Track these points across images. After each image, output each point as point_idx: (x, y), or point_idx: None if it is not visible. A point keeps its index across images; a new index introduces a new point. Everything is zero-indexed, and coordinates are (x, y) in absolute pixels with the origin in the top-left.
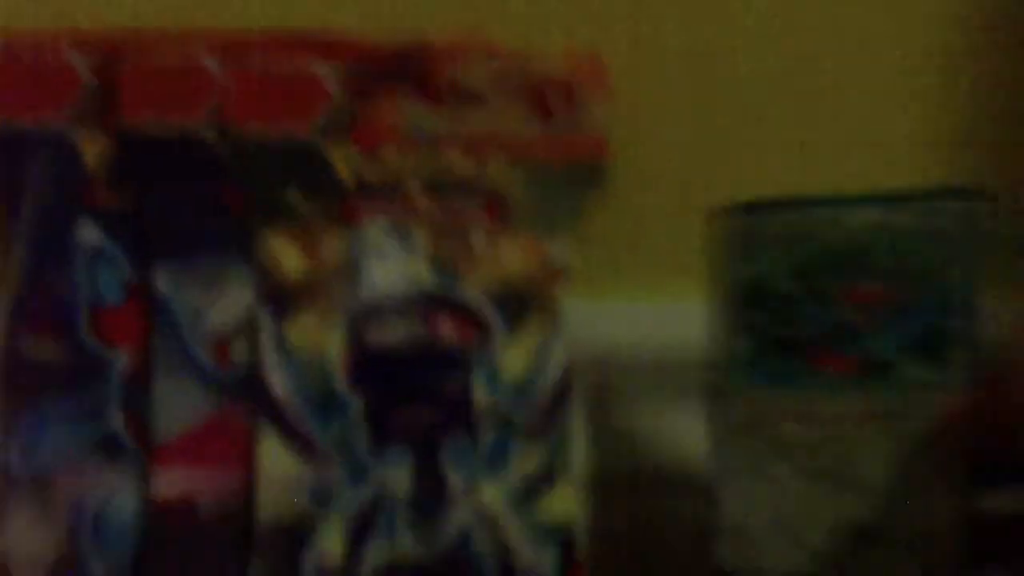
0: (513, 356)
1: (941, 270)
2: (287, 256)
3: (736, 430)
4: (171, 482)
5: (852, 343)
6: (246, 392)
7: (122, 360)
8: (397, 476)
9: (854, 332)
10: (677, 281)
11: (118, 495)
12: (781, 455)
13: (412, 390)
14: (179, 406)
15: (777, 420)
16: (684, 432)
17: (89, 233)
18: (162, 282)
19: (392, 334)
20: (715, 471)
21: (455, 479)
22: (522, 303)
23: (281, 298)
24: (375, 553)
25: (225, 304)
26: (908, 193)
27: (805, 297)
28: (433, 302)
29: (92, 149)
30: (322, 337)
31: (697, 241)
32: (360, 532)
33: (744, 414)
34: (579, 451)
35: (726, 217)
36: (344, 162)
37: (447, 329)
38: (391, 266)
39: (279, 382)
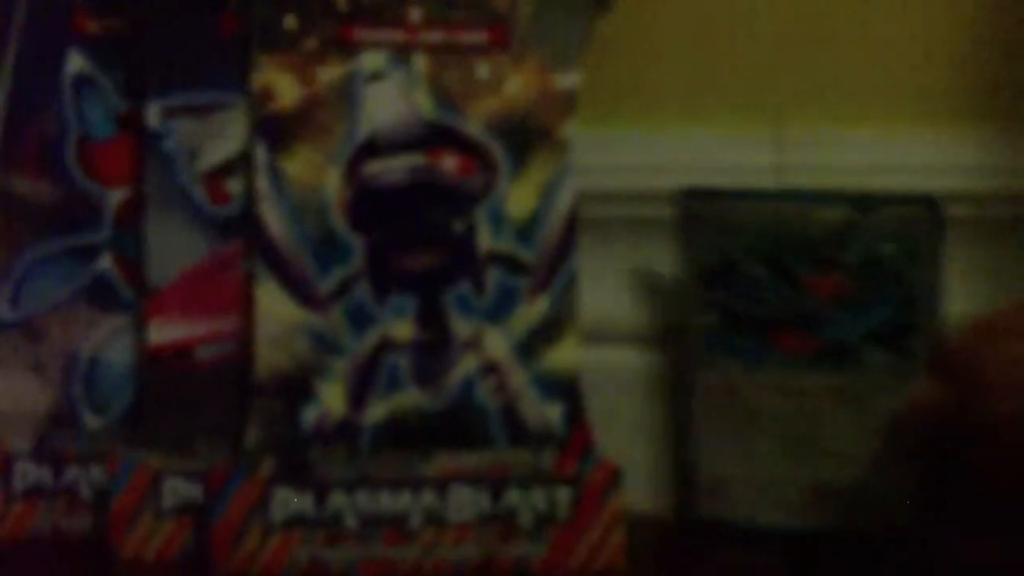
0: (519, 195)
1: (906, 269)
2: (282, 85)
3: (710, 402)
4: (165, 330)
5: (815, 327)
6: (242, 231)
7: (113, 198)
8: (400, 324)
9: (817, 317)
10: (690, 106)
11: (111, 343)
12: (754, 423)
13: (414, 231)
14: (173, 248)
15: (749, 392)
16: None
17: (77, 63)
18: (154, 115)
19: (392, 170)
20: (693, 434)
21: (459, 327)
22: (528, 136)
23: (276, 130)
24: (377, 404)
25: (219, 138)
26: (878, 196)
27: (772, 281)
28: (435, 135)
29: None
30: (319, 172)
31: (709, 68)
32: (362, 382)
33: (718, 385)
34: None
35: (702, 200)
36: None
37: (450, 165)
38: (390, 96)
39: (275, 221)
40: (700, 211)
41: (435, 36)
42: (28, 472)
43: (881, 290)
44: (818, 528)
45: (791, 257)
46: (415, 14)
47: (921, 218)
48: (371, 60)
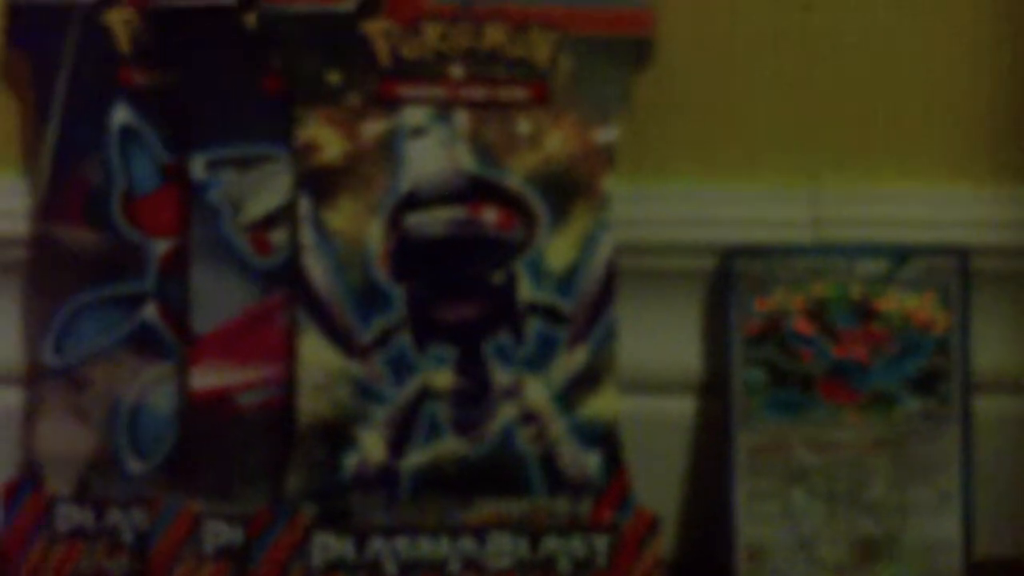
0: (558, 247)
1: (938, 318)
2: (326, 139)
3: (753, 456)
4: (208, 377)
5: (856, 378)
6: (285, 282)
7: (158, 248)
8: (440, 373)
9: (857, 368)
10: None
11: (155, 390)
12: (796, 479)
13: (455, 282)
14: (216, 297)
15: (791, 447)
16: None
17: (123, 115)
18: (199, 167)
19: (433, 222)
20: (733, 495)
21: (499, 376)
22: (568, 190)
23: (320, 183)
24: (417, 453)
25: (263, 190)
26: (912, 249)
27: (815, 335)
28: (476, 188)
29: (123, 26)
30: (362, 224)
31: (748, 123)
32: (402, 430)
33: (759, 441)
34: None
35: (744, 257)
36: (382, 38)
37: (490, 217)
38: (432, 150)
39: (318, 271)
40: (743, 268)
41: (476, 92)
42: (71, 515)
43: (915, 339)
44: None
45: (831, 310)
46: (456, 71)
47: (952, 270)
48: (413, 115)
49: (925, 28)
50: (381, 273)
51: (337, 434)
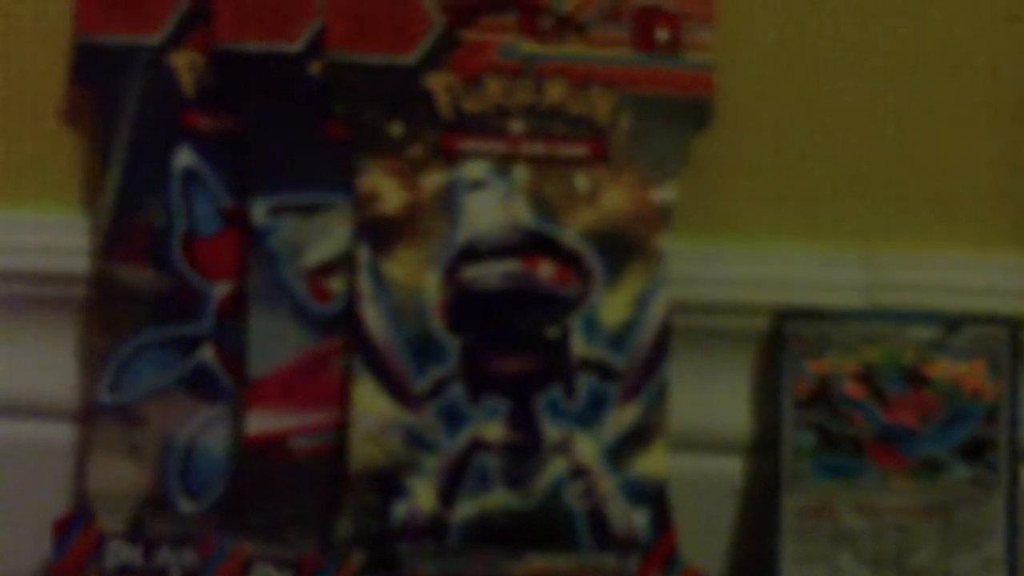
0: (613, 304)
1: (987, 386)
2: (387, 189)
3: (800, 519)
4: (263, 420)
5: (905, 444)
6: (342, 329)
7: (217, 292)
8: (492, 425)
9: (907, 435)
10: (783, 224)
11: (208, 432)
12: (843, 544)
13: (509, 336)
14: (273, 341)
15: (839, 510)
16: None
17: (185, 157)
18: (259, 212)
19: (490, 275)
20: (780, 558)
21: (550, 431)
22: (624, 247)
23: (379, 232)
24: (466, 503)
25: (323, 237)
26: (963, 316)
27: (866, 400)
28: (532, 243)
29: (188, 69)
30: (419, 275)
31: (802, 186)
32: (452, 480)
33: (808, 504)
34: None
35: (798, 320)
36: (444, 92)
37: (546, 272)
38: (490, 204)
39: (375, 320)
40: (796, 330)
41: (536, 148)
42: (121, 552)
43: (964, 407)
44: None
45: (882, 375)
46: (517, 126)
47: (1002, 338)
48: (473, 169)
49: (978, 95)
50: (437, 324)
51: (388, 482)
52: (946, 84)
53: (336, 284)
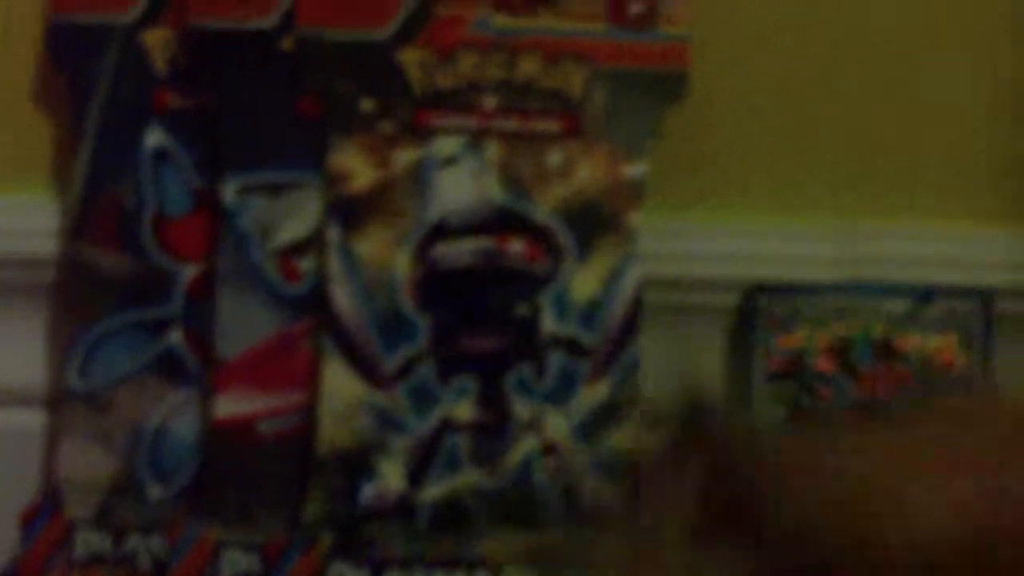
0: (584, 280)
1: (961, 360)
2: (357, 167)
3: None
4: (232, 403)
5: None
6: (311, 309)
7: (186, 273)
8: (461, 405)
9: (883, 407)
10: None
11: (177, 416)
12: None
13: (479, 314)
14: (243, 323)
15: None
16: None
17: (156, 137)
18: (230, 192)
19: (460, 253)
20: None
21: (520, 409)
22: (596, 223)
23: (350, 211)
24: (436, 483)
25: (293, 217)
26: (936, 289)
27: (838, 374)
28: (504, 220)
29: (160, 48)
30: (390, 253)
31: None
32: (422, 461)
33: None
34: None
35: (769, 294)
36: (417, 67)
37: (516, 249)
38: (462, 180)
39: (345, 300)
40: (767, 305)
41: (508, 123)
42: (90, 540)
43: (937, 380)
44: None
45: (854, 349)
46: (489, 101)
47: (976, 311)
48: (444, 145)
49: (957, 71)
50: (407, 302)
51: (357, 463)
52: (918, 59)
53: (306, 264)
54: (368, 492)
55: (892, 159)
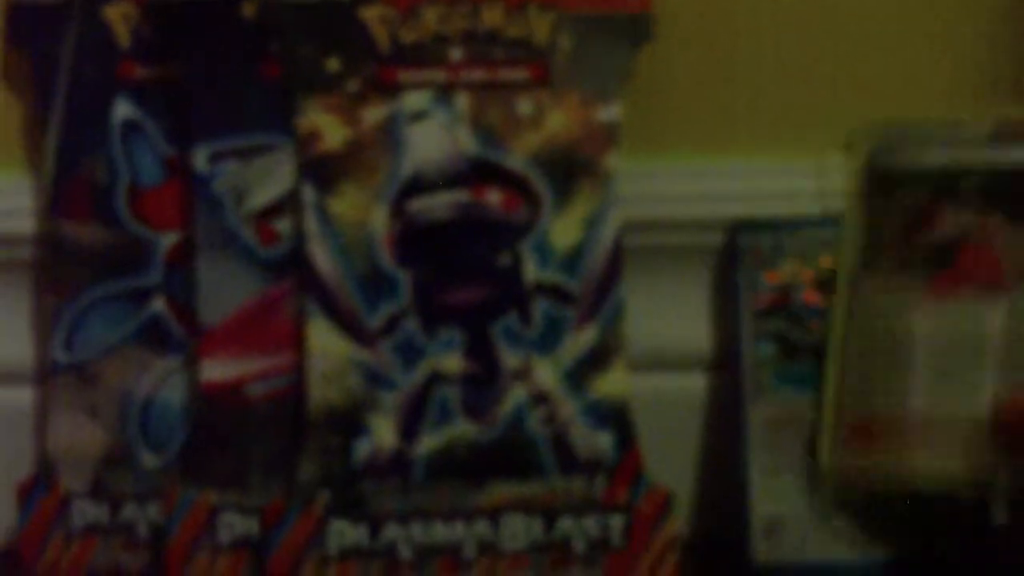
0: (563, 227)
1: None
2: (327, 127)
3: (767, 430)
4: (218, 368)
5: None
6: (291, 271)
7: (164, 242)
8: (449, 357)
9: None
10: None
11: (165, 384)
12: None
13: (461, 266)
14: (223, 288)
15: (804, 418)
16: None
17: (125, 109)
18: (201, 159)
19: (437, 206)
20: (747, 471)
21: (508, 359)
22: (572, 169)
23: (323, 170)
24: (428, 436)
25: (266, 180)
26: None
27: (824, 307)
28: (478, 171)
29: (122, 21)
30: (366, 211)
31: (752, 98)
32: (413, 415)
33: (773, 415)
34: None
35: (751, 231)
36: (380, 23)
37: (494, 200)
38: (433, 134)
39: (324, 259)
40: (750, 242)
41: (476, 74)
42: (86, 511)
43: None
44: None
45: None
46: (456, 53)
47: None
48: (414, 100)
49: (931, 5)
50: (387, 259)
51: (348, 421)
52: None
53: (283, 226)
54: (362, 449)
55: (871, 92)
